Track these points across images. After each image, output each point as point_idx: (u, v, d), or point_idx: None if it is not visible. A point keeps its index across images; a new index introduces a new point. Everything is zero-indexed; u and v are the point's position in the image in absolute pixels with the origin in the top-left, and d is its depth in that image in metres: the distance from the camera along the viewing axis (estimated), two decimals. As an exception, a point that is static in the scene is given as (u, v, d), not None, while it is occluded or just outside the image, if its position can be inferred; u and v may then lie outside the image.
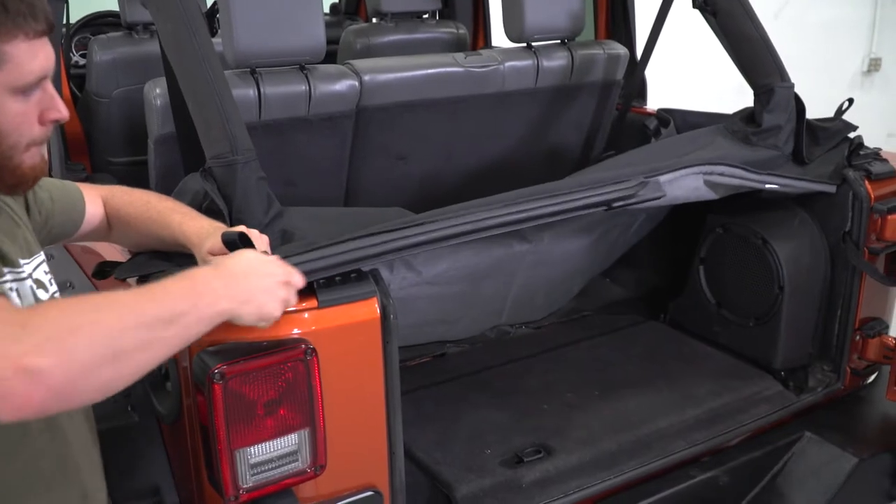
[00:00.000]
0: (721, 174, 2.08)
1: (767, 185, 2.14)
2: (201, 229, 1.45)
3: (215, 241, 1.38)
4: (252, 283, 1.23)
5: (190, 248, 1.45)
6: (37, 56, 1.14)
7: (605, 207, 1.92)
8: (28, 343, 0.95)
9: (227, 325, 1.22)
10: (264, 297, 1.24)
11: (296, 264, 1.38)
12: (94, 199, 1.52)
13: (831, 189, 2.19)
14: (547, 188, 1.90)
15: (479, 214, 1.73)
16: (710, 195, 2.13)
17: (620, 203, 1.92)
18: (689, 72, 5.44)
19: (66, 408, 1.03)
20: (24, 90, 1.15)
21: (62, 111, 1.21)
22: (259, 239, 1.43)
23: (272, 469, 1.40)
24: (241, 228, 1.43)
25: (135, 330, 1.04)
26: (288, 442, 1.40)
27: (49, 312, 1.01)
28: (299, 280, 1.33)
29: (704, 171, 2.06)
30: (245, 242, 1.35)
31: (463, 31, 3.35)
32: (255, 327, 1.28)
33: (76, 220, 1.49)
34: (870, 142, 2.27)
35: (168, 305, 1.09)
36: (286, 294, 1.29)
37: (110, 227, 1.55)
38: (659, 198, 1.98)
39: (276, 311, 1.27)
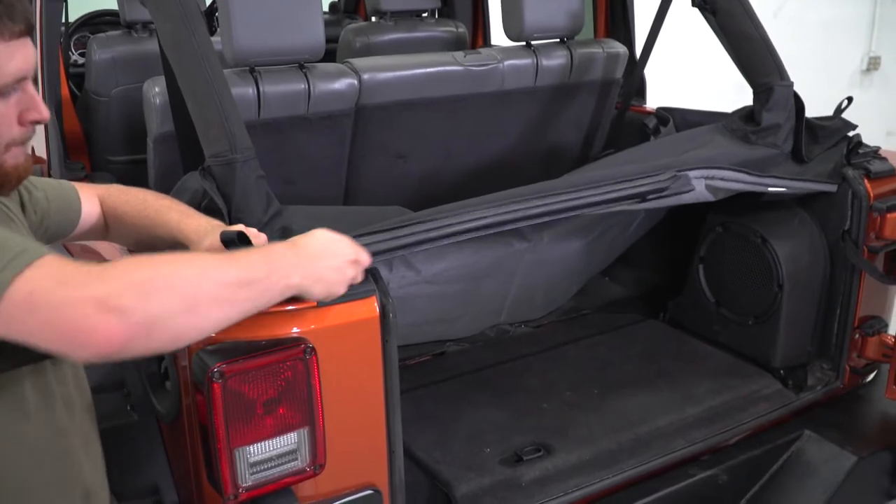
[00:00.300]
0: (723, 178, 2.08)
1: (770, 189, 2.14)
2: (199, 227, 1.45)
3: (214, 240, 1.38)
4: (324, 263, 1.30)
5: (188, 246, 1.45)
6: (14, 57, 1.14)
7: (638, 200, 1.94)
8: (109, 287, 1.02)
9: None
10: (334, 275, 1.31)
11: None
12: (91, 198, 1.52)
13: (832, 188, 2.19)
14: (546, 186, 1.89)
15: (501, 209, 1.74)
16: (709, 198, 2.13)
17: (654, 196, 1.94)
18: (689, 70, 5.44)
19: (143, 351, 1.08)
20: (1, 91, 1.15)
21: (42, 112, 1.21)
22: (257, 237, 1.43)
23: (271, 468, 1.40)
24: (240, 227, 1.43)
25: (211, 285, 1.10)
26: (287, 441, 1.40)
27: (125, 264, 1.08)
28: (366, 259, 1.39)
29: (706, 175, 2.06)
30: (243, 241, 1.35)
31: (462, 29, 3.34)
32: (255, 326, 1.29)
33: (72, 219, 1.49)
34: (869, 140, 2.27)
35: (243, 269, 1.16)
36: (354, 273, 1.36)
37: (107, 225, 1.55)
38: (689, 192, 2.00)
39: (343, 288, 1.34)
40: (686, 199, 2.04)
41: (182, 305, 1.07)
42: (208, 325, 1.13)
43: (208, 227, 1.44)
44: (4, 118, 1.17)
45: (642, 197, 1.94)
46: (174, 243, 1.48)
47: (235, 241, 1.34)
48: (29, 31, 1.16)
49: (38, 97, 1.20)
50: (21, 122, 1.19)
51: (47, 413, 1.24)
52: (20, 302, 1.00)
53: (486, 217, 1.73)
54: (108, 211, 1.54)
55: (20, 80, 1.17)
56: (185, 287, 1.08)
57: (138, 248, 1.58)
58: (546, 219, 1.85)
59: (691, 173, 2.02)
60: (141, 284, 1.04)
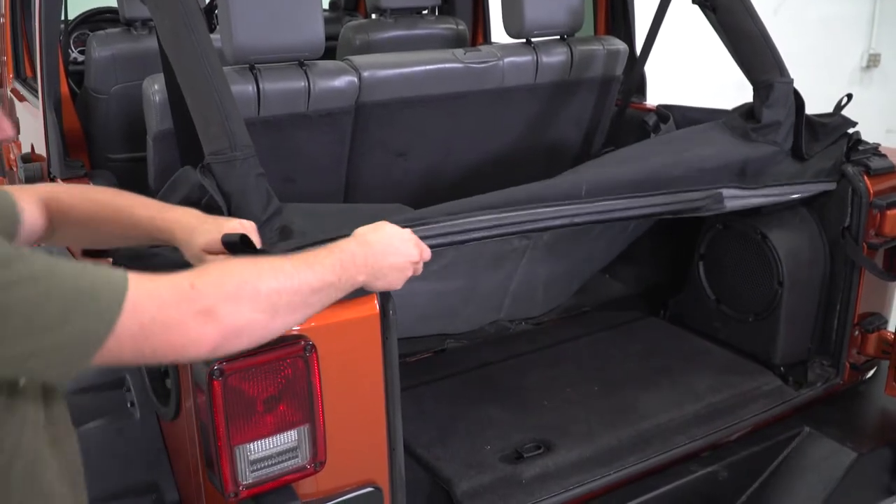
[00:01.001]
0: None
1: (768, 199, 2.15)
2: (182, 222, 1.41)
3: (209, 240, 1.36)
4: (388, 261, 1.36)
5: (172, 243, 1.41)
6: None
7: (671, 215, 1.99)
8: (206, 300, 1.08)
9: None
10: (395, 274, 1.39)
11: None
12: (32, 202, 1.39)
13: (831, 187, 2.20)
14: (565, 188, 1.92)
15: (528, 212, 1.79)
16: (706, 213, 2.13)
17: (690, 213, 1.99)
18: (689, 67, 5.44)
19: (230, 351, 1.15)
20: None
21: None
22: (253, 233, 1.41)
23: (272, 465, 1.40)
24: (236, 224, 1.41)
25: (289, 294, 1.18)
26: (288, 438, 1.40)
27: (213, 273, 1.13)
28: (428, 255, 1.45)
29: (734, 194, 2.09)
30: (246, 244, 1.34)
31: (462, 27, 3.34)
32: None
33: (10, 231, 1.33)
34: (869, 137, 2.27)
35: (320, 276, 1.23)
36: (413, 271, 1.42)
37: (53, 229, 1.43)
38: (720, 209, 2.05)
39: (401, 285, 1.41)
40: (703, 213, 2.08)
41: (266, 313, 1.14)
42: (283, 326, 1.20)
43: (195, 223, 1.40)
44: None
45: (676, 214, 1.99)
46: (150, 241, 1.44)
47: (238, 245, 1.33)
48: None
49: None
50: None
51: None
52: (130, 332, 1.02)
53: (511, 221, 1.77)
54: (55, 214, 1.42)
55: None
56: (269, 295, 1.15)
57: (94, 248, 1.53)
58: (578, 224, 1.89)
59: (725, 191, 2.05)
60: (232, 294, 1.11)
